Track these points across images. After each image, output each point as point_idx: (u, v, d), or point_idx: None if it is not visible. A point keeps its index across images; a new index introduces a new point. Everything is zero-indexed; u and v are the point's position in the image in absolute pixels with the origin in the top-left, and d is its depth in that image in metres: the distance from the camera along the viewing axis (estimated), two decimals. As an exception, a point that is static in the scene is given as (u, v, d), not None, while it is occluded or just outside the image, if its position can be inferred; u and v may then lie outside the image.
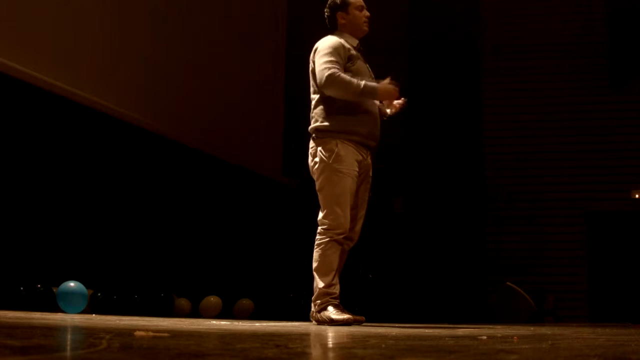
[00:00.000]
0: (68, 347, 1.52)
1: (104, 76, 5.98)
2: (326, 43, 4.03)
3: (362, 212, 4.12)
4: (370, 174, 4.15)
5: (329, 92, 3.93)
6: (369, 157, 4.09)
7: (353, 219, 4.03)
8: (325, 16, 4.21)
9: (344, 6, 4.14)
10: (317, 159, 3.97)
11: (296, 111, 8.50)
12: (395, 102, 4.16)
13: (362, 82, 3.88)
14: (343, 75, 3.88)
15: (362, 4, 4.19)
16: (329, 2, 4.20)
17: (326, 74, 3.88)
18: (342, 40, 4.04)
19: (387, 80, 3.95)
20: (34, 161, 5.18)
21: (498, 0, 10.49)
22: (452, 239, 9.63)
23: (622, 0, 9.92)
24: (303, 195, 8.04)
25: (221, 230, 7.51)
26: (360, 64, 4.07)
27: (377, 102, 4.17)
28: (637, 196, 9.71)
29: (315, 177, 4.02)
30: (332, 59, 3.92)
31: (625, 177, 9.76)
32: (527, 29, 10.27)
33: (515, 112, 10.18)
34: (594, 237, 9.77)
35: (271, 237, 8.54)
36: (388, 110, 4.21)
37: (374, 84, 3.94)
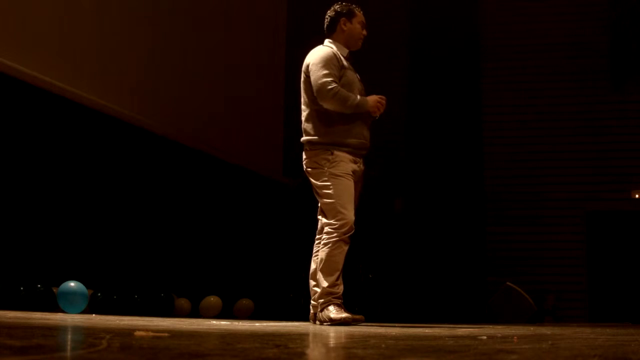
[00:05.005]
0: (68, 347, 1.52)
1: (104, 76, 5.99)
2: (319, 54, 4.09)
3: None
4: (361, 185, 4.23)
5: (327, 105, 4.02)
6: (361, 164, 4.18)
7: None
8: (327, 17, 4.25)
9: (350, 15, 4.22)
10: (312, 170, 4.06)
11: (296, 111, 8.50)
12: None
13: (357, 99, 4.03)
14: (343, 91, 4.00)
15: (364, 22, 4.28)
16: (335, 6, 4.26)
17: (327, 87, 3.97)
18: (335, 51, 4.11)
19: (374, 97, 4.12)
20: (34, 161, 5.18)
21: (498, 1, 10.49)
22: (452, 239, 9.63)
23: (622, 0, 9.92)
24: (303, 195, 8.04)
25: (221, 230, 7.51)
26: (350, 74, 4.15)
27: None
28: (637, 196, 9.71)
29: (314, 186, 4.09)
30: (328, 71, 4.01)
31: (625, 177, 9.76)
32: (527, 29, 10.27)
33: (515, 112, 10.18)
34: (594, 237, 9.76)
35: (271, 237, 8.54)
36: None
37: (365, 101, 4.07)
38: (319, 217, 4.15)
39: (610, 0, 9.99)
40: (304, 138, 4.14)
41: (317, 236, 4.16)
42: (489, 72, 10.26)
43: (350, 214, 3.98)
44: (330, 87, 3.97)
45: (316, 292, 4.02)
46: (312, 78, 4.04)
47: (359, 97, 4.06)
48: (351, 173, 4.05)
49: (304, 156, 4.14)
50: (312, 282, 4.11)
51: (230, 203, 7.75)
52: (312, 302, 4.10)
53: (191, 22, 7.32)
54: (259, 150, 8.66)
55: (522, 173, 9.99)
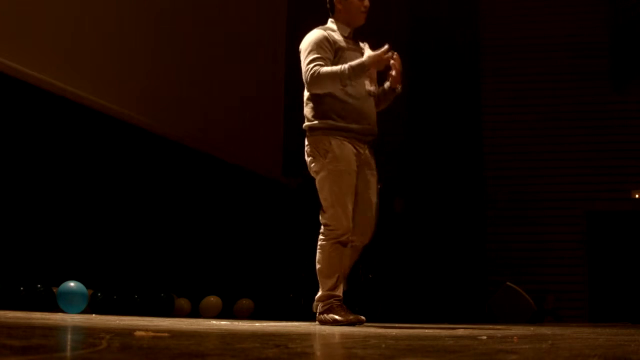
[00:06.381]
0: (68, 347, 1.52)
1: (104, 76, 5.98)
2: (308, 39, 3.93)
3: (372, 208, 3.98)
4: (374, 165, 4.02)
5: (317, 90, 3.85)
6: (366, 150, 3.96)
7: (362, 213, 3.93)
8: None
9: None
10: (312, 158, 3.91)
11: (296, 111, 8.47)
12: (393, 72, 4.00)
13: (347, 65, 3.78)
14: (325, 68, 3.79)
15: None
16: None
17: (308, 73, 3.80)
18: (326, 33, 3.92)
19: (372, 52, 3.86)
20: (34, 161, 5.18)
21: (498, 1, 10.50)
22: (452, 239, 9.63)
23: (623, 0, 9.92)
24: (303, 195, 8.02)
25: (221, 230, 7.50)
26: (351, 55, 3.91)
27: (373, 89, 4.03)
28: (637, 196, 9.71)
29: (313, 175, 3.97)
30: (314, 56, 3.83)
31: (625, 177, 9.76)
32: (527, 29, 10.27)
33: (515, 112, 10.19)
34: (594, 237, 9.77)
35: (271, 237, 8.54)
36: (388, 84, 4.07)
37: (359, 59, 3.82)
38: None
39: (610, 0, 9.99)
40: (304, 124, 3.96)
41: None
42: (489, 72, 10.26)
43: (346, 215, 3.82)
44: (311, 72, 3.79)
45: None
46: (302, 66, 3.90)
47: (347, 64, 3.75)
48: (353, 166, 3.86)
49: (305, 142, 3.96)
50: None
51: (230, 203, 7.75)
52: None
53: (191, 22, 7.32)
54: (259, 150, 8.66)
55: (522, 173, 10.00)
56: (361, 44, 4.09)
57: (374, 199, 4.01)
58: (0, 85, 4.90)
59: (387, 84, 4.12)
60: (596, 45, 10.02)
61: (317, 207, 4.10)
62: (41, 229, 5.16)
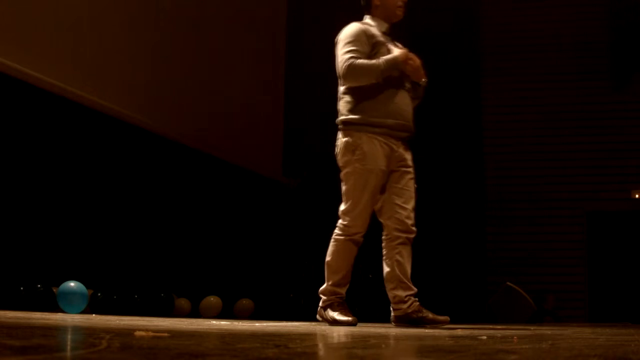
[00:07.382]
0: (68, 347, 1.52)
1: (105, 76, 5.99)
2: (347, 32, 3.88)
3: (410, 203, 3.87)
4: (410, 163, 3.92)
5: (352, 83, 3.80)
6: (400, 148, 3.87)
7: (398, 208, 3.83)
8: None
9: None
10: (341, 152, 3.85)
11: (296, 111, 8.47)
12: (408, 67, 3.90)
13: (381, 60, 3.75)
14: (360, 61, 3.74)
15: None
16: None
17: (344, 65, 3.75)
18: (365, 27, 3.88)
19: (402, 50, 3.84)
20: (34, 161, 5.19)
21: (498, 0, 10.49)
22: (452, 240, 9.63)
23: (622, 0, 9.92)
24: (303, 196, 8.02)
25: (221, 231, 7.51)
26: (388, 50, 3.86)
27: (408, 85, 3.97)
28: (637, 196, 9.71)
29: (340, 167, 3.89)
30: (351, 48, 3.78)
31: (625, 177, 9.76)
32: (527, 29, 10.27)
33: (516, 112, 10.19)
34: (594, 237, 9.77)
35: (271, 237, 8.54)
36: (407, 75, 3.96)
37: (391, 54, 3.80)
38: (380, 220, 3.91)
39: (611, 1, 9.99)
40: (338, 119, 3.90)
41: (384, 237, 3.90)
42: (489, 72, 10.26)
43: (363, 216, 3.78)
44: (347, 63, 3.74)
45: (395, 295, 3.82)
46: (337, 59, 3.85)
47: (382, 59, 3.73)
48: (382, 166, 3.78)
49: (337, 135, 3.89)
50: (388, 285, 3.87)
51: (230, 203, 7.75)
52: (392, 305, 3.88)
53: (192, 23, 7.32)
54: (259, 150, 8.66)
55: (522, 173, 10.00)
56: (397, 43, 4.05)
57: (410, 193, 3.90)
58: (0, 85, 4.90)
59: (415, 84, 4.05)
60: (596, 45, 10.02)
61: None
62: (41, 228, 5.17)
